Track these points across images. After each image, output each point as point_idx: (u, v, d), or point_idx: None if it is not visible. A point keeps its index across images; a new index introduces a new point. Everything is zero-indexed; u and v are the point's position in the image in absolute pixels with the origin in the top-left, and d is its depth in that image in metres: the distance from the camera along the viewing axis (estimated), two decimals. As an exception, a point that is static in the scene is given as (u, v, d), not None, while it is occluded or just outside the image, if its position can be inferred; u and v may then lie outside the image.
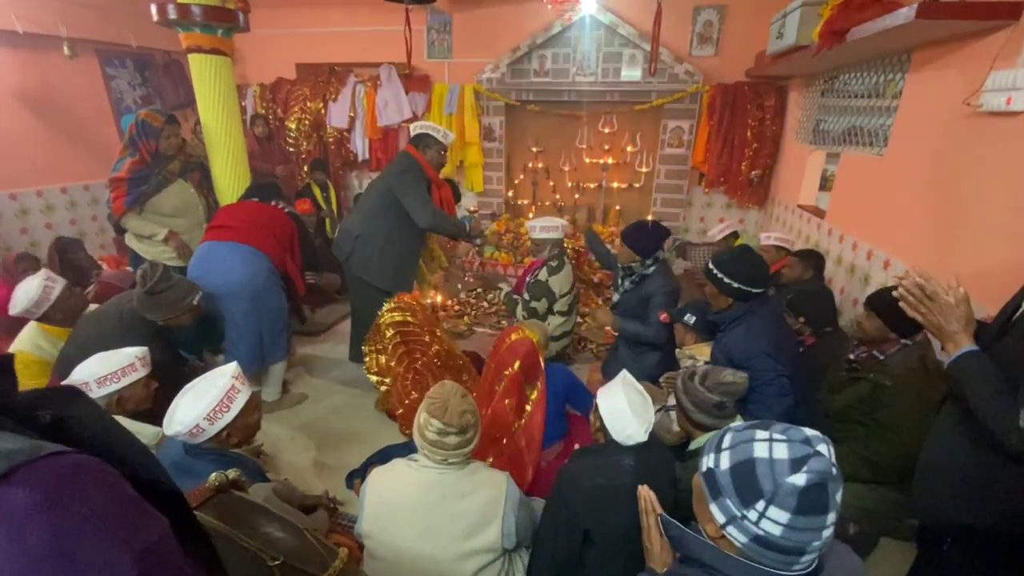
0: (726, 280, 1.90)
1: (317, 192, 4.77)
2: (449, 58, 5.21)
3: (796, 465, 0.80)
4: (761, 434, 0.86)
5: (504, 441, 2.11)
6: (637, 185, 5.09)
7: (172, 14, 2.54)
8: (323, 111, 5.43)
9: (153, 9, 2.57)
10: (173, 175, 2.94)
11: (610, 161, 5.07)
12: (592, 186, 5.21)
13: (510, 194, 5.51)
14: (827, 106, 3.70)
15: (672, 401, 2.23)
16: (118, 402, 1.78)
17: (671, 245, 4.92)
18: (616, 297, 2.95)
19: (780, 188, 4.61)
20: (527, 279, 3.03)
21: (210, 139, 2.84)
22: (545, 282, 2.87)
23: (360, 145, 5.44)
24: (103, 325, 2.16)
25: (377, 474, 1.53)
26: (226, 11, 2.62)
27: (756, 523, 0.82)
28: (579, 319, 3.91)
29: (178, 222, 3.01)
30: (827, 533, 0.81)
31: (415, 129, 2.91)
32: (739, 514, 0.84)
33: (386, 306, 2.52)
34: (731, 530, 0.85)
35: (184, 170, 2.99)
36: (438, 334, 2.63)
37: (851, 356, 2.07)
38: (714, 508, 0.88)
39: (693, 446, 1.73)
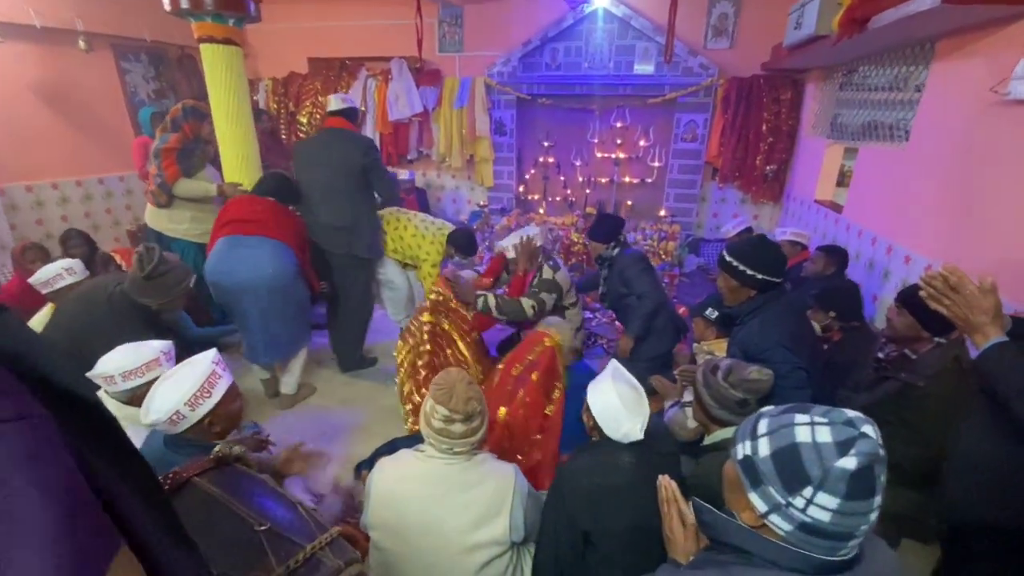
0: (741, 268, 1.83)
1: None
2: (460, 52, 5.19)
3: (843, 448, 0.77)
4: (801, 418, 0.83)
5: (519, 456, 2.01)
6: (649, 180, 5.03)
7: (184, 3, 2.54)
8: (334, 105, 5.43)
9: (165, -1, 2.58)
10: (204, 161, 3.17)
11: (622, 155, 5.01)
12: (604, 181, 5.15)
13: (521, 189, 5.47)
14: (845, 99, 3.62)
15: (688, 396, 2.18)
16: (143, 396, 1.77)
17: (684, 241, 4.86)
18: (602, 290, 3.05)
19: (796, 183, 4.53)
20: (530, 285, 2.81)
21: (220, 130, 2.85)
22: (552, 279, 2.75)
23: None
24: (92, 310, 2.14)
25: (383, 465, 1.51)
26: (238, 0, 2.62)
27: (803, 510, 0.79)
28: (589, 314, 3.88)
29: (201, 207, 3.21)
30: (874, 516, 0.78)
31: (345, 102, 2.92)
32: (784, 502, 0.80)
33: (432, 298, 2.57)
34: (775, 519, 0.82)
35: (211, 158, 3.22)
36: (462, 349, 2.59)
37: (880, 355, 2.00)
38: (754, 497, 0.84)
39: (708, 441, 1.68)
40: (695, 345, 2.30)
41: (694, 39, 4.58)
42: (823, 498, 0.77)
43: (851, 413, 0.81)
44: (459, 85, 5.09)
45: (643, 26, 4.51)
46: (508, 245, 2.83)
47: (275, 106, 5.57)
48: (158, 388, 1.44)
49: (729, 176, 4.79)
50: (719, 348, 2.14)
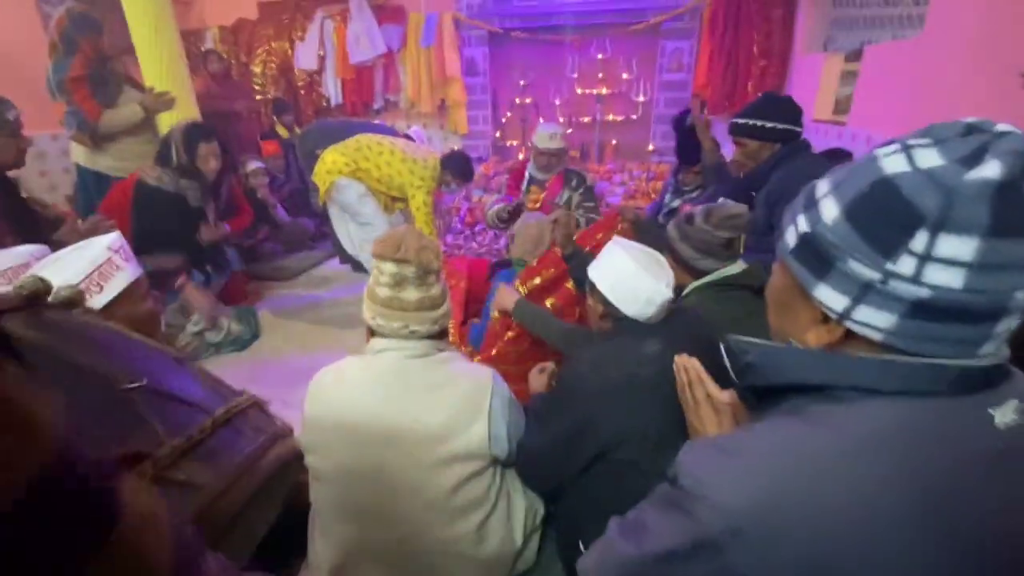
0: (759, 124, 1.56)
1: (284, 133, 4.35)
2: (425, -15, 4.76)
3: (973, 158, 0.44)
4: (887, 148, 0.51)
5: None
6: (635, 117, 4.70)
7: None
8: (290, 53, 4.99)
9: None
10: (120, 83, 2.67)
11: (604, 91, 4.66)
12: (586, 120, 4.81)
13: (498, 135, 5.10)
14: (841, 18, 3.33)
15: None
16: None
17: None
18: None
19: (791, 108, 4.23)
20: (559, 198, 2.81)
21: (144, 60, 2.43)
22: (593, 186, 2.94)
23: (332, 88, 4.99)
24: None
25: (325, 369, 1.18)
26: None
27: (915, 277, 0.46)
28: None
29: (134, 143, 2.74)
30: None
31: None
32: (878, 276, 0.48)
33: None
34: (864, 314, 0.50)
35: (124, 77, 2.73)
36: None
37: None
38: (824, 292, 0.52)
39: (688, 290, 1.46)
40: None
41: (677, -43, 4.22)
42: (950, 244, 0.44)
43: (971, 119, 0.48)
44: (424, 21, 4.66)
45: (621, -57, 4.13)
46: (546, 134, 2.82)
47: (225, 57, 5.09)
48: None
49: (719, 106, 4.45)
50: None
